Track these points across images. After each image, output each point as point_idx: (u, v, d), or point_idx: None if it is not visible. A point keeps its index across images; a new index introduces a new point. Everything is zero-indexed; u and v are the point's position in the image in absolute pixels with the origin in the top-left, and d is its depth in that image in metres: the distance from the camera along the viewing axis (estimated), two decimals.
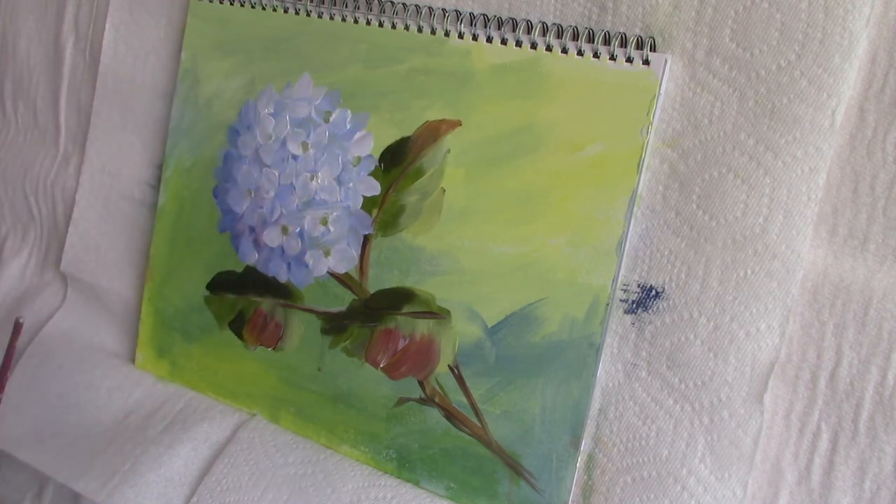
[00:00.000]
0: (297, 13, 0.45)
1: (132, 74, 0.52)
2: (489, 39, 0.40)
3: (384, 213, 0.42)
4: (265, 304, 0.47)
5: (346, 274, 0.44)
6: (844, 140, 0.34)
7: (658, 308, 0.37)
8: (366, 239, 0.43)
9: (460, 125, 0.40)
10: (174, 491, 0.46)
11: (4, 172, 0.59)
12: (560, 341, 0.38)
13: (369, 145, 0.43)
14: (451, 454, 0.41)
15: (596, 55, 0.37)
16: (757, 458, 0.36)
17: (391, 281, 0.42)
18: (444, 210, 0.41)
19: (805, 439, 0.35)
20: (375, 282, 0.43)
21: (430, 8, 0.41)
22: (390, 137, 0.42)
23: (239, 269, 0.47)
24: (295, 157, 0.45)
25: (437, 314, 0.41)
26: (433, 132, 0.41)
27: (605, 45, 0.37)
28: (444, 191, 0.41)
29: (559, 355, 0.38)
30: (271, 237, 0.46)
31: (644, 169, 0.37)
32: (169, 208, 0.50)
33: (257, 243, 0.46)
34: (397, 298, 0.42)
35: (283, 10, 0.46)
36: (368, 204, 0.43)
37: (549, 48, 0.38)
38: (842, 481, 0.35)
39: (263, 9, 0.46)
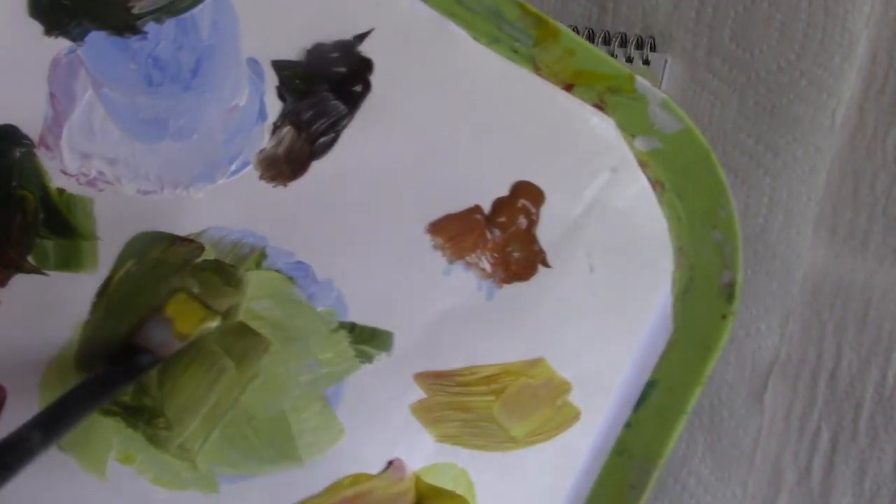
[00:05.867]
0: None
1: None
2: None
3: None
4: None
5: None
6: (844, 140, 0.34)
7: None
8: None
9: None
10: None
11: None
12: None
13: None
14: None
15: None
16: (757, 458, 0.36)
17: None
18: None
19: (805, 439, 0.35)
20: None
21: None
22: None
23: None
24: None
25: None
26: None
27: (605, 44, 0.37)
28: None
29: None
30: None
31: None
32: None
33: None
34: None
35: None
36: None
37: None
38: (842, 481, 0.35)
39: None
